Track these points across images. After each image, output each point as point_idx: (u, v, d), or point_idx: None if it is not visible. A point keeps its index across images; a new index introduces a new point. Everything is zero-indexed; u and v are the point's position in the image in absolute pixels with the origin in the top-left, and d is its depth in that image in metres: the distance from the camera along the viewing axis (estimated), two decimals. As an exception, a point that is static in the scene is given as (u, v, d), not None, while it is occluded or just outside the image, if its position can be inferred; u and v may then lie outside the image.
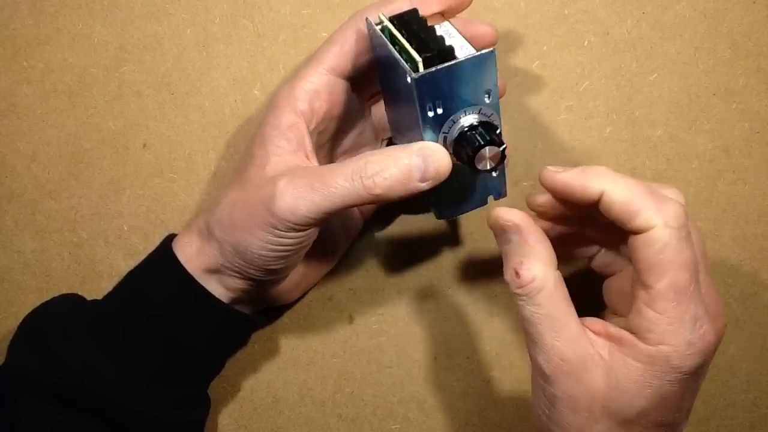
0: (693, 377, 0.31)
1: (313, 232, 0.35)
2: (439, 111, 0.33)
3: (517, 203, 0.44)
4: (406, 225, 0.45)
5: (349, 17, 0.37)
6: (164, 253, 0.38)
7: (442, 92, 0.32)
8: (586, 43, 0.44)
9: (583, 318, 0.33)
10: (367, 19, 0.35)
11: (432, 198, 0.36)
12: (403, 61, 0.32)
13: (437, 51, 0.32)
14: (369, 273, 0.45)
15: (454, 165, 0.34)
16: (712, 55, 0.44)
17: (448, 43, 0.33)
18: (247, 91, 0.44)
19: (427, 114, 0.33)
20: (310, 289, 0.44)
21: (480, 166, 0.33)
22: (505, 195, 0.38)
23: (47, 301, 0.41)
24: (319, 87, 0.36)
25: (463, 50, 0.34)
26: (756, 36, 0.44)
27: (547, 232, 0.34)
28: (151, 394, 0.38)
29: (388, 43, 0.33)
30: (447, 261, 0.44)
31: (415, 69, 0.31)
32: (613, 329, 0.32)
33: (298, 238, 0.34)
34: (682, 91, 0.44)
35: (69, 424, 0.37)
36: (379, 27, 0.35)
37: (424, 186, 0.33)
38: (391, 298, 0.45)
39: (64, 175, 0.45)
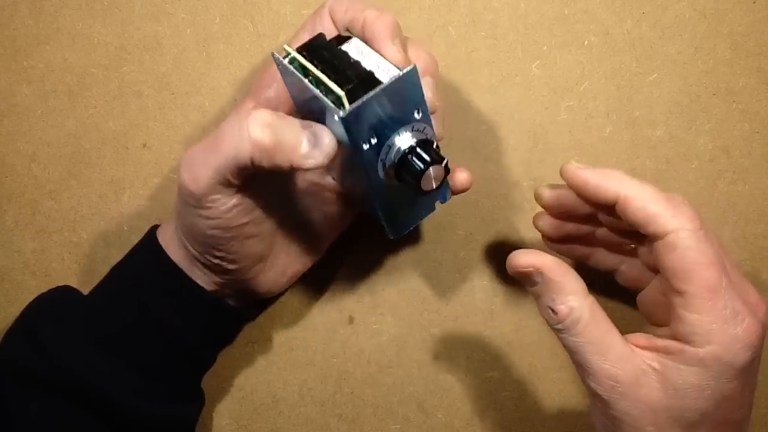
0: (747, 371, 0.31)
1: (232, 199, 0.34)
2: (374, 141, 0.31)
3: (517, 204, 0.44)
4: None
5: (318, 6, 0.36)
6: (150, 245, 0.39)
7: (373, 122, 0.31)
8: (586, 43, 0.44)
9: (626, 335, 0.33)
10: (273, 54, 0.33)
11: (381, 216, 0.35)
12: (324, 98, 0.30)
13: (358, 80, 0.30)
14: (369, 273, 0.45)
15: (393, 183, 0.33)
16: (712, 55, 0.44)
17: (365, 66, 0.32)
18: (247, 91, 0.44)
19: (362, 149, 0.31)
20: (297, 279, 0.43)
21: (426, 188, 0.32)
22: (449, 198, 0.37)
23: (42, 294, 0.41)
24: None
25: (382, 70, 0.32)
26: (756, 36, 0.44)
27: (555, 231, 0.34)
28: (142, 386, 0.38)
29: (304, 79, 0.31)
30: (447, 261, 0.44)
31: (340, 105, 0.30)
32: (659, 340, 0.32)
33: (215, 205, 0.34)
34: (682, 91, 0.44)
35: (58, 415, 0.37)
36: (288, 59, 0.33)
37: (308, 163, 0.32)
38: (391, 298, 0.45)
39: (64, 175, 0.45)
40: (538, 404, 0.44)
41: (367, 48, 0.33)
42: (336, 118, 0.30)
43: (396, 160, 0.32)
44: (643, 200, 0.32)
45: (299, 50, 0.33)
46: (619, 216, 0.33)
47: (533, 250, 0.33)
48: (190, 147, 0.34)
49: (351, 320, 0.45)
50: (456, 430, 0.45)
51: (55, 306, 0.40)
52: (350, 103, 0.30)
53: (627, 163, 0.44)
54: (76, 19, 0.45)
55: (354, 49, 0.34)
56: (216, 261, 0.37)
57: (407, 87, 0.31)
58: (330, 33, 0.35)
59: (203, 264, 0.37)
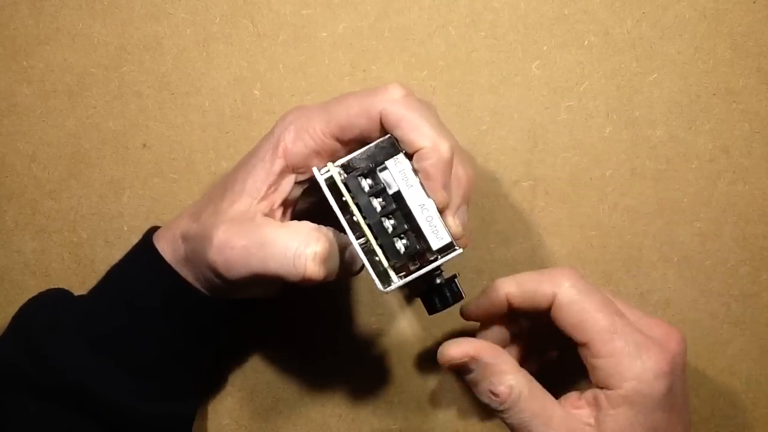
0: (671, 398, 0.33)
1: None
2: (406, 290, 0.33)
3: (517, 204, 0.44)
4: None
5: (376, 92, 0.34)
6: (145, 246, 0.39)
7: (408, 285, 0.33)
8: (586, 43, 0.44)
9: (559, 399, 0.35)
10: (314, 170, 0.34)
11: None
12: (365, 259, 0.32)
13: (406, 254, 0.31)
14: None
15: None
16: (712, 55, 0.44)
17: (412, 219, 0.32)
18: (247, 91, 0.44)
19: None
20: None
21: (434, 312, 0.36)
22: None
23: (35, 296, 0.41)
24: (335, 130, 0.35)
25: (426, 219, 0.32)
26: (756, 36, 0.44)
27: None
28: (135, 386, 0.38)
29: (345, 224, 0.32)
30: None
31: (385, 282, 0.31)
32: (587, 394, 0.34)
33: (237, 285, 0.35)
34: (682, 91, 0.44)
35: (55, 419, 0.37)
36: (325, 176, 0.33)
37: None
38: (391, 298, 0.45)
39: (64, 175, 0.45)
40: (538, 404, 0.44)
41: (413, 176, 0.33)
42: (378, 288, 0.31)
43: (424, 294, 0.34)
44: (521, 286, 0.35)
45: (343, 167, 0.33)
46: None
47: (463, 338, 0.35)
48: (223, 225, 0.34)
49: (350, 320, 0.45)
50: (456, 430, 0.45)
51: (48, 309, 0.40)
52: (397, 276, 0.31)
53: (627, 163, 0.44)
54: (76, 19, 0.45)
55: (398, 174, 0.33)
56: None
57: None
58: (372, 126, 0.34)
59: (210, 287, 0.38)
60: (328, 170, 0.33)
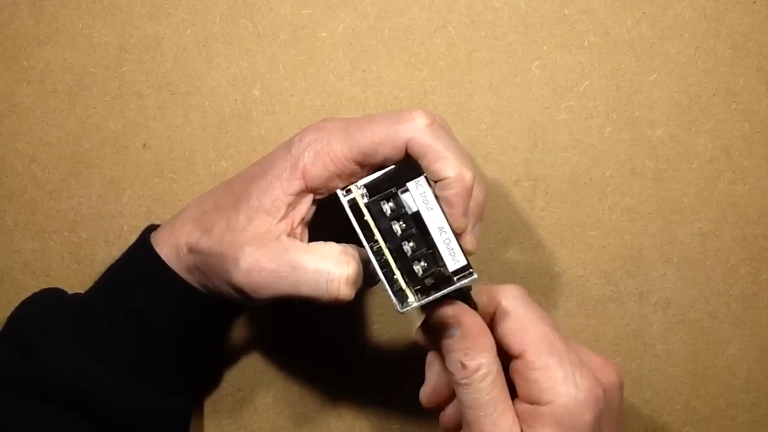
0: (600, 422, 0.32)
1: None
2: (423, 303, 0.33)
3: (517, 204, 0.44)
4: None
5: (401, 119, 0.34)
6: (141, 244, 0.39)
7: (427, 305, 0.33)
8: (586, 43, 0.44)
9: None
10: (337, 192, 0.34)
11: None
12: (384, 280, 0.33)
13: (424, 277, 0.32)
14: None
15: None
16: (712, 55, 0.44)
17: (431, 241, 0.33)
18: (247, 91, 0.44)
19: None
20: None
21: None
22: None
23: (30, 297, 0.41)
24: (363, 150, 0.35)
25: (443, 240, 0.33)
26: (756, 36, 0.44)
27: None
28: (130, 383, 0.38)
29: (370, 252, 0.33)
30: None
31: (403, 302, 0.32)
32: (519, 406, 0.33)
33: (258, 302, 0.36)
34: (682, 91, 0.44)
35: (54, 421, 0.37)
36: (349, 198, 0.34)
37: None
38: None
39: (64, 175, 0.45)
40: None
41: (433, 199, 0.34)
42: (396, 309, 0.32)
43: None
44: (476, 296, 0.35)
45: (366, 187, 0.34)
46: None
47: (459, 303, 0.34)
48: (248, 247, 0.34)
49: (351, 320, 0.45)
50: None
51: (42, 309, 0.40)
52: (414, 297, 0.32)
53: (627, 163, 0.44)
54: (76, 19, 0.45)
55: (419, 197, 0.34)
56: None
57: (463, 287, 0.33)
58: (396, 154, 0.34)
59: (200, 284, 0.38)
60: (351, 192, 0.34)
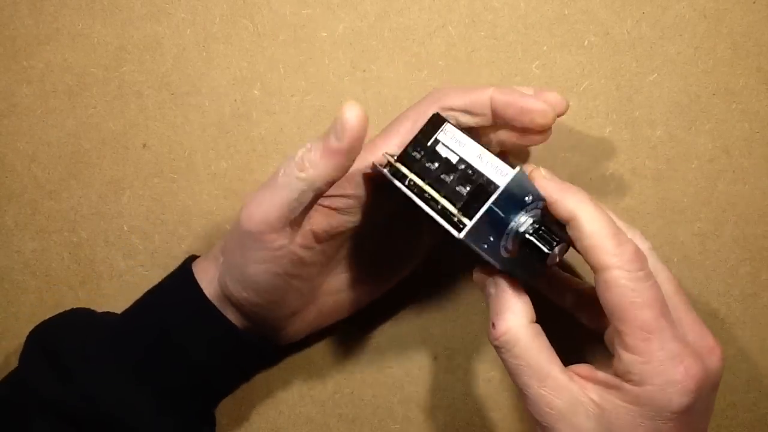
0: (686, 415, 0.31)
1: (289, 243, 0.35)
2: (492, 239, 0.32)
3: (517, 203, 0.44)
4: (406, 225, 0.45)
5: (426, 97, 0.36)
6: (183, 273, 0.39)
7: (489, 226, 0.31)
8: (586, 43, 0.44)
9: (571, 366, 0.34)
10: (373, 164, 0.35)
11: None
12: (440, 219, 0.32)
13: (468, 195, 0.31)
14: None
15: (514, 257, 0.34)
16: (712, 55, 0.44)
17: (469, 167, 0.32)
18: (247, 91, 0.44)
19: (483, 249, 0.32)
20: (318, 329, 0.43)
21: (551, 263, 0.33)
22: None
23: (58, 316, 0.40)
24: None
25: (485, 162, 0.32)
26: (756, 36, 0.44)
27: None
28: (167, 418, 0.38)
29: (414, 196, 0.33)
30: (447, 260, 0.44)
31: (458, 227, 0.31)
32: (601, 374, 0.33)
33: (271, 250, 0.35)
34: (682, 91, 0.44)
35: None
36: (388, 169, 0.34)
37: (342, 145, 0.32)
38: (391, 299, 0.45)
39: (64, 175, 0.45)
40: (538, 404, 0.44)
41: (463, 136, 0.33)
42: (456, 237, 0.31)
43: (519, 242, 0.33)
44: (591, 228, 0.32)
45: (399, 159, 0.34)
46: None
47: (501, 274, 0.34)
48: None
49: (351, 320, 0.45)
50: (456, 430, 0.45)
51: (77, 332, 0.39)
52: (468, 219, 0.31)
53: (627, 163, 0.44)
54: (76, 19, 0.45)
55: (451, 139, 0.34)
56: (253, 309, 0.37)
57: (519, 186, 0.32)
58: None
59: (236, 306, 0.37)
60: (390, 165, 0.34)
